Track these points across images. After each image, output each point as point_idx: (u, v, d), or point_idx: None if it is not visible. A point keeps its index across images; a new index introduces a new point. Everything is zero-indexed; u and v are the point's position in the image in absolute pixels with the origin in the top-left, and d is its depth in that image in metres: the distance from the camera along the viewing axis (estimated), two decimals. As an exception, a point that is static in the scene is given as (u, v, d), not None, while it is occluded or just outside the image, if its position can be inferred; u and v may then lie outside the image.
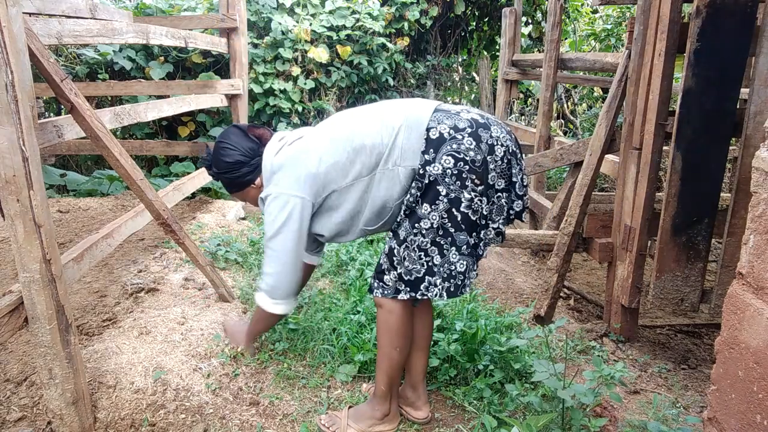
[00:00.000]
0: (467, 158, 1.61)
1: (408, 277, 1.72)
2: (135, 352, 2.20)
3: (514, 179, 1.73)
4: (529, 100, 7.59)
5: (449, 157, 1.61)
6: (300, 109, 5.49)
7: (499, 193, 1.71)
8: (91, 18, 2.67)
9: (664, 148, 2.55)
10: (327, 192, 1.73)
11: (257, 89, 5.29)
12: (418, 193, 1.66)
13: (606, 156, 2.87)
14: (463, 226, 1.66)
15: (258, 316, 2.04)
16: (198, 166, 2.01)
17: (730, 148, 3.14)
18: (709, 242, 2.46)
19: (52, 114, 5.51)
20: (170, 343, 2.30)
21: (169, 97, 3.93)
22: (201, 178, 3.70)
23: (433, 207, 1.64)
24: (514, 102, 5.37)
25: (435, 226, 1.66)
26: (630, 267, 2.60)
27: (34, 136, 1.61)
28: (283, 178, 1.73)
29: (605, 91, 6.29)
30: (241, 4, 4.18)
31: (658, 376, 2.46)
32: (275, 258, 1.78)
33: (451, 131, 1.63)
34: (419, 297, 1.74)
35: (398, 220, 1.73)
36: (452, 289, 1.72)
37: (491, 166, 1.65)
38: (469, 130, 1.64)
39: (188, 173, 4.82)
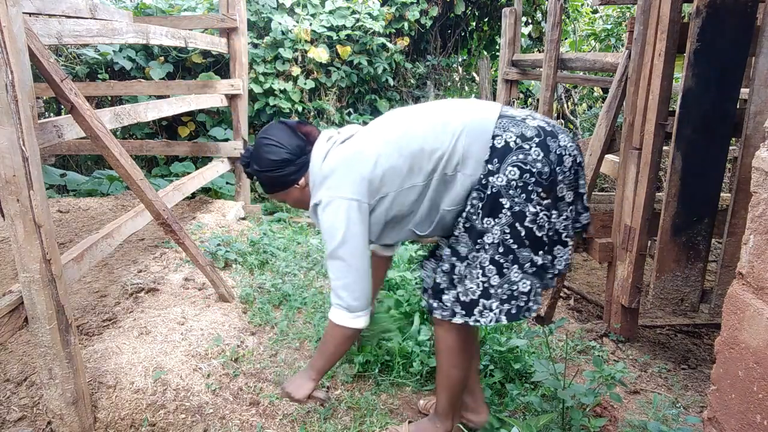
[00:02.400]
0: (534, 170, 1.52)
1: (464, 297, 1.63)
2: (135, 352, 2.20)
3: (581, 190, 1.64)
4: (529, 100, 7.59)
5: (515, 168, 1.52)
6: (300, 109, 5.49)
7: (571, 206, 1.62)
8: (91, 18, 2.67)
9: (664, 148, 2.55)
10: (381, 195, 1.63)
11: (257, 89, 5.29)
12: (480, 204, 1.56)
13: (606, 156, 2.87)
14: (526, 242, 1.56)
15: (333, 342, 1.71)
16: (241, 162, 1.84)
17: (730, 148, 3.14)
18: (709, 242, 2.46)
19: (52, 114, 5.51)
20: (170, 343, 2.30)
21: (169, 97, 3.93)
22: (201, 178, 3.70)
23: (495, 221, 1.55)
24: (514, 102, 5.36)
25: (496, 241, 1.56)
26: (630, 267, 2.60)
27: (34, 136, 1.61)
28: (336, 182, 1.62)
29: (605, 91, 6.29)
30: (241, 4, 4.18)
31: (658, 376, 2.46)
32: (346, 268, 1.62)
33: (518, 140, 1.53)
34: (472, 323, 1.63)
35: (456, 235, 1.63)
36: (513, 312, 1.61)
37: (560, 178, 1.55)
38: (537, 139, 1.54)
39: (188, 173, 4.82)
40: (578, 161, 1.61)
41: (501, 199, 1.54)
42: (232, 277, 3.07)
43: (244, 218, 4.40)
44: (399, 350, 2.29)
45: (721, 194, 2.51)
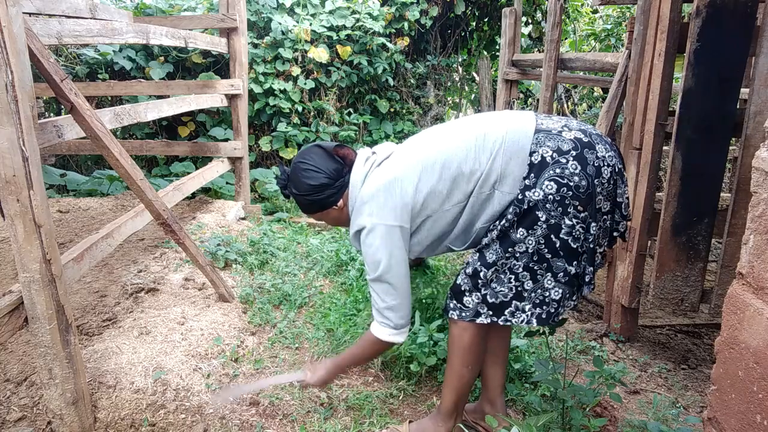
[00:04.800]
0: (571, 183, 1.51)
1: (493, 299, 1.64)
2: (135, 352, 2.20)
3: (618, 199, 1.64)
4: (529, 100, 7.59)
5: (552, 183, 1.52)
6: (300, 109, 5.49)
7: (605, 216, 1.63)
8: (91, 18, 2.67)
9: (664, 148, 2.55)
10: (422, 218, 1.67)
11: (257, 89, 5.28)
12: (515, 219, 1.57)
13: (606, 156, 2.87)
14: (561, 253, 1.57)
15: (370, 352, 1.82)
16: (279, 185, 1.89)
17: (730, 148, 3.14)
18: (709, 242, 2.46)
19: (52, 114, 5.51)
20: (170, 343, 2.30)
21: (169, 97, 3.93)
22: (201, 178, 3.70)
23: (529, 232, 1.56)
24: (514, 102, 5.36)
25: (530, 251, 1.58)
26: (630, 267, 2.60)
27: (34, 136, 1.61)
28: (378, 208, 1.65)
29: (605, 91, 6.29)
30: (241, 4, 4.18)
31: (658, 376, 2.46)
32: (393, 291, 1.68)
33: (554, 154, 1.53)
34: (501, 323, 1.66)
35: (486, 242, 1.64)
36: (544, 316, 1.64)
37: (598, 189, 1.55)
38: (574, 152, 1.53)
39: (188, 173, 4.82)
40: (617, 170, 1.60)
41: (537, 212, 1.54)
42: (232, 277, 3.07)
43: (244, 218, 4.40)
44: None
45: (721, 194, 2.51)
